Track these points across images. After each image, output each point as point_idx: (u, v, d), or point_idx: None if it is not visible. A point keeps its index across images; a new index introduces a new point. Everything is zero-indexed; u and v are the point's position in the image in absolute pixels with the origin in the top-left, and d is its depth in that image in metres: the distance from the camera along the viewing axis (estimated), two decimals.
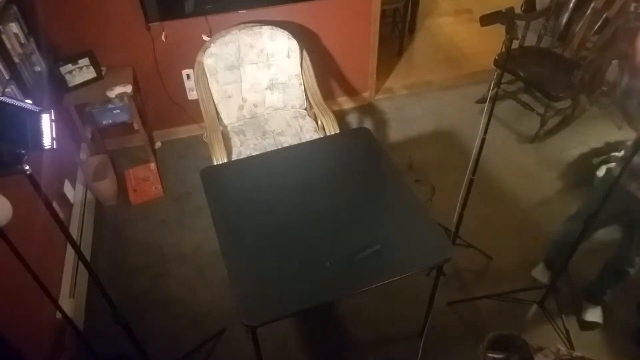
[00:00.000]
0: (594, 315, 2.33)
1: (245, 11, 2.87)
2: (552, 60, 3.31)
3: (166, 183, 3.08)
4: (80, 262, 2.41)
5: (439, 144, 3.36)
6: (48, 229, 2.21)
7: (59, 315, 2.15)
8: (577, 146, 3.29)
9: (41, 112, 1.15)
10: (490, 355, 1.95)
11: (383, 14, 3.42)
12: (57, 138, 1.18)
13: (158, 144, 3.37)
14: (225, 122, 2.77)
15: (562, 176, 3.10)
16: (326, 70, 3.36)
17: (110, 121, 2.89)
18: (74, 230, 2.60)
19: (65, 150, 2.89)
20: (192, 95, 3.20)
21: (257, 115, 2.83)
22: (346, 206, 1.93)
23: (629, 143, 2.01)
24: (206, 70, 2.65)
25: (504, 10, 1.75)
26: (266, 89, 2.80)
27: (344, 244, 1.76)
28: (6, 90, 2.09)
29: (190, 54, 2.79)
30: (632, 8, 2.74)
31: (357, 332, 2.33)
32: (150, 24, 2.80)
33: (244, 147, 2.58)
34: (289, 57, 2.75)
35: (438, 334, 2.27)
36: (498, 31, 1.82)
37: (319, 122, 2.72)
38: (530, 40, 3.47)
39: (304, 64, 2.81)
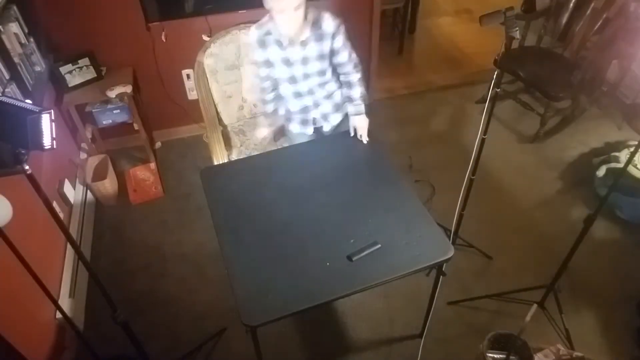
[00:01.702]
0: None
1: (245, 11, 2.87)
2: (552, 60, 3.31)
3: (166, 183, 3.08)
4: (80, 262, 2.41)
5: (439, 144, 3.36)
6: (48, 229, 2.21)
7: (59, 315, 2.16)
8: (577, 146, 3.29)
9: (41, 112, 1.14)
10: (490, 355, 1.96)
11: (383, 14, 3.43)
12: (57, 138, 1.18)
13: (158, 144, 3.37)
14: (225, 122, 2.77)
15: (562, 176, 3.10)
16: None
17: (110, 121, 2.88)
18: (74, 230, 2.60)
19: (65, 150, 2.89)
20: (192, 95, 3.20)
21: (257, 115, 2.83)
22: (346, 206, 1.93)
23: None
24: (206, 71, 2.65)
25: (503, 10, 1.75)
26: None
27: (343, 244, 1.76)
28: (6, 90, 2.09)
29: (190, 54, 2.79)
30: (632, 8, 2.74)
31: (357, 332, 2.33)
32: (150, 24, 2.80)
33: (244, 147, 2.58)
34: None
35: (438, 334, 2.27)
36: (498, 31, 1.82)
37: None
38: (530, 40, 3.47)
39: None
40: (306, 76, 2.14)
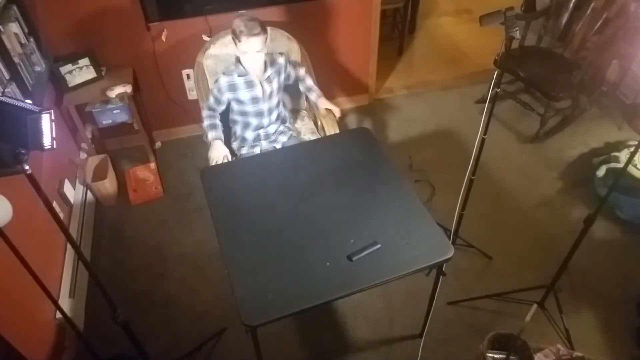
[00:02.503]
0: None
1: (245, 11, 2.87)
2: (552, 60, 3.31)
3: (166, 183, 3.08)
4: (80, 262, 2.41)
5: (439, 144, 3.36)
6: (48, 229, 2.21)
7: (59, 315, 2.16)
8: (577, 146, 3.29)
9: (41, 112, 1.14)
10: (490, 355, 1.96)
11: (383, 14, 3.42)
12: (57, 138, 1.18)
13: (158, 144, 3.37)
14: None
15: (562, 176, 3.10)
16: (326, 71, 3.36)
17: (110, 121, 2.89)
18: (74, 230, 2.60)
19: (65, 150, 2.89)
20: (192, 95, 3.20)
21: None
22: (346, 206, 1.93)
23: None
24: (206, 72, 2.65)
25: (503, 10, 1.75)
26: None
27: (343, 244, 1.76)
28: (6, 90, 2.09)
29: (190, 54, 2.79)
30: (632, 8, 2.74)
31: (357, 332, 2.33)
32: (150, 24, 2.80)
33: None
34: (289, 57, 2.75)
35: (438, 334, 2.27)
36: (498, 31, 1.82)
37: (319, 123, 2.72)
38: (530, 40, 3.47)
39: (304, 64, 2.80)
40: (270, 110, 2.45)
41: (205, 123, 2.41)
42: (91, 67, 2.77)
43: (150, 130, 3.32)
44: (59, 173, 2.66)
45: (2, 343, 1.71)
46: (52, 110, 1.17)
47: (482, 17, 1.82)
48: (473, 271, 2.57)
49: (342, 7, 3.11)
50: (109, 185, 2.88)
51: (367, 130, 2.34)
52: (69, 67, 2.70)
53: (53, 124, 1.16)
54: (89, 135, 3.00)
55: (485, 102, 1.94)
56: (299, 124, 2.74)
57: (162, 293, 2.50)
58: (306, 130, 2.69)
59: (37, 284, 1.45)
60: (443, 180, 3.00)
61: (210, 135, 2.38)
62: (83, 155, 3.06)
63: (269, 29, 2.69)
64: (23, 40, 2.36)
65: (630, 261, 2.61)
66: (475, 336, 2.19)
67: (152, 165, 3.12)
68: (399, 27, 4.22)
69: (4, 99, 1.14)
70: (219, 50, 2.64)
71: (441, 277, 1.92)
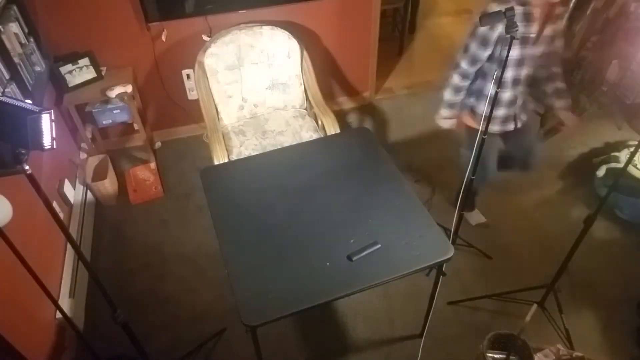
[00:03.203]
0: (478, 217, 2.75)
1: (245, 11, 2.87)
2: None
3: (166, 183, 3.08)
4: (80, 262, 2.41)
5: (439, 144, 3.35)
6: (48, 229, 2.21)
7: (59, 315, 2.16)
8: (577, 146, 3.29)
9: (41, 112, 1.14)
10: (490, 355, 1.95)
11: (383, 14, 3.42)
12: (57, 138, 1.18)
13: (158, 144, 3.37)
14: (225, 122, 2.77)
15: (562, 176, 3.10)
16: (326, 70, 3.36)
17: (110, 121, 2.89)
18: (74, 230, 2.60)
19: (65, 150, 2.89)
20: (192, 95, 3.20)
21: (257, 115, 2.83)
22: (346, 206, 1.93)
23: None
24: (206, 70, 2.65)
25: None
26: (266, 89, 2.80)
27: (343, 244, 1.76)
28: (6, 90, 2.09)
29: (190, 54, 2.80)
30: (632, 8, 2.74)
31: (357, 332, 2.33)
32: (150, 24, 2.80)
33: (244, 147, 2.58)
34: (289, 57, 2.75)
35: (438, 334, 2.27)
36: None
37: (319, 122, 2.72)
38: None
39: (304, 64, 2.81)
40: (532, 58, 2.09)
41: (451, 96, 2.09)
42: (91, 67, 2.77)
43: (150, 130, 3.32)
44: (59, 173, 2.66)
45: (2, 343, 1.71)
46: (52, 110, 1.17)
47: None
48: (473, 271, 2.57)
49: (342, 7, 3.11)
50: (109, 185, 2.88)
51: (367, 130, 2.34)
52: (69, 67, 2.70)
53: (53, 124, 1.16)
54: (89, 135, 3.00)
55: None
56: (300, 123, 2.74)
57: (162, 293, 2.50)
58: (307, 130, 2.69)
59: (37, 284, 1.45)
60: (443, 180, 3.00)
61: (447, 113, 2.13)
62: (83, 155, 3.06)
63: (268, 28, 2.71)
64: (23, 40, 2.37)
65: (630, 261, 2.61)
66: (475, 336, 2.19)
67: (152, 165, 3.12)
68: (399, 27, 4.22)
69: (4, 99, 1.14)
70: (220, 50, 2.64)
71: (441, 277, 1.92)
